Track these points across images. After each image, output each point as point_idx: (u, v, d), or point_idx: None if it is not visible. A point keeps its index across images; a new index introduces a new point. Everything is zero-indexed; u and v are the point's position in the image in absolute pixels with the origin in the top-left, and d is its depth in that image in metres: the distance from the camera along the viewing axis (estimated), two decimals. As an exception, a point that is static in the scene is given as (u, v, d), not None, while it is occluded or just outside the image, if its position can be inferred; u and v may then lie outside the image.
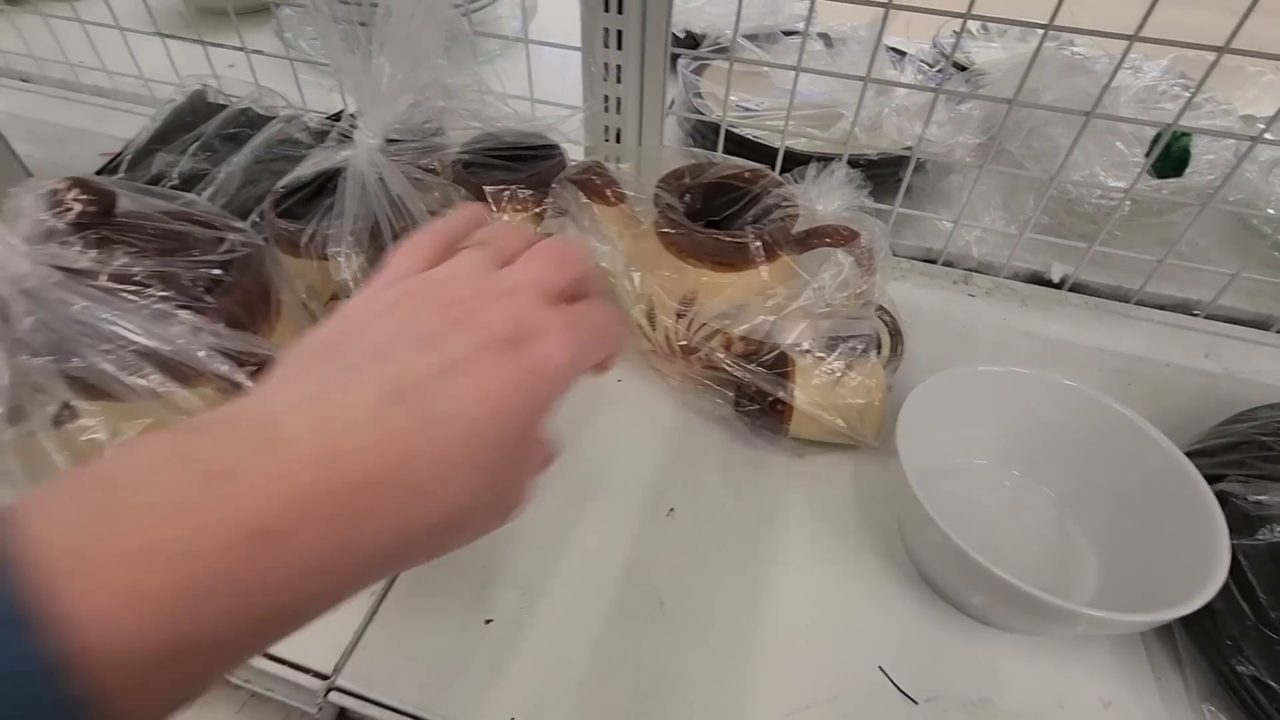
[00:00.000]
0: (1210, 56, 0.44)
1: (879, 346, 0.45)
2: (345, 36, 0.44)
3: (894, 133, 0.64)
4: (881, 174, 0.57)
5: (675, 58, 0.66)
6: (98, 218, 0.29)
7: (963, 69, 0.71)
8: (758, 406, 0.43)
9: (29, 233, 0.26)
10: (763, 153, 0.61)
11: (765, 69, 0.71)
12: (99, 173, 0.59)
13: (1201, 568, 0.33)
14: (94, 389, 0.30)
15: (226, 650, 0.17)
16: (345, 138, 0.46)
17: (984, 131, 0.62)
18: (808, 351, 0.43)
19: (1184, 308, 0.58)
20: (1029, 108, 0.55)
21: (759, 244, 0.42)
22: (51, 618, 0.14)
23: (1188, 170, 0.58)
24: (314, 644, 0.36)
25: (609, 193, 0.47)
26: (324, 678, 0.35)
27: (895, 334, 0.46)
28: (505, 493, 0.23)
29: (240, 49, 0.67)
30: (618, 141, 0.62)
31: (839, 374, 0.43)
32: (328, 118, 0.62)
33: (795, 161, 0.52)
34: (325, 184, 0.47)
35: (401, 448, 0.19)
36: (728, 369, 0.44)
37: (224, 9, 0.67)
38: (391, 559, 0.20)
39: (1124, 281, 0.59)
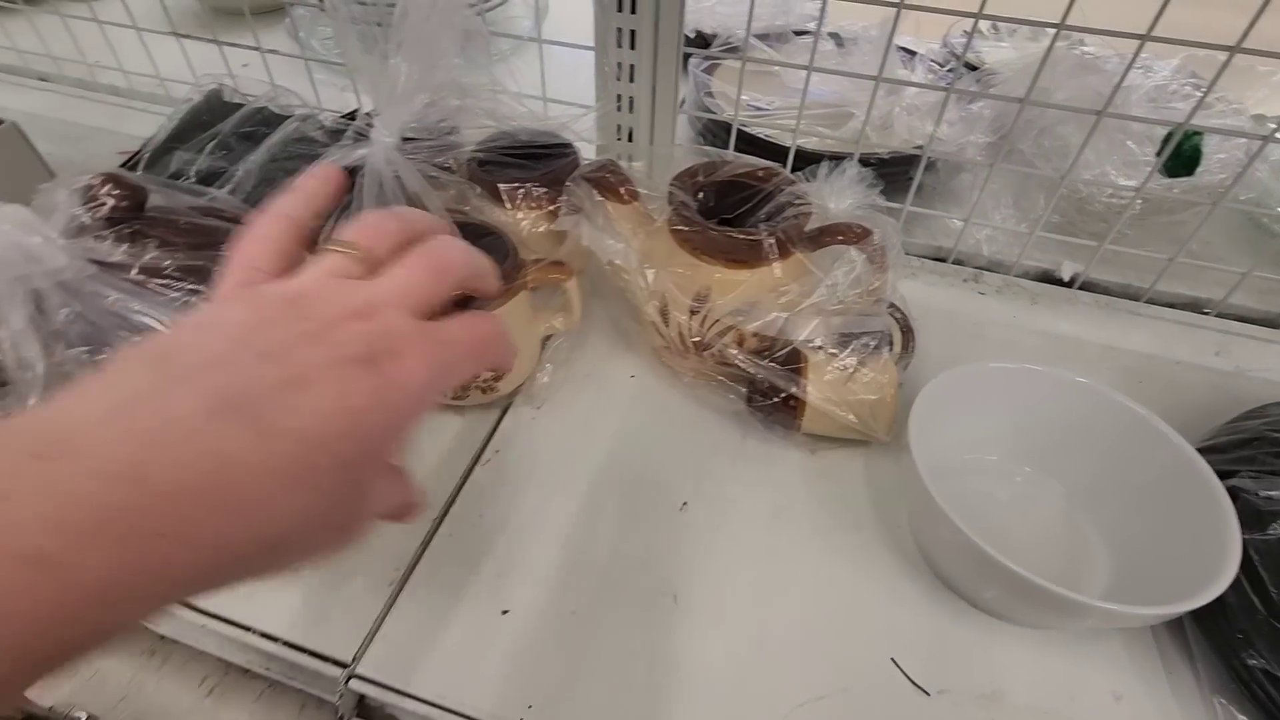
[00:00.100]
0: (1221, 56, 0.44)
1: (891, 343, 0.45)
2: (362, 37, 0.45)
3: (905, 132, 0.64)
4: (892, 173, 0.58)
5: (686, 57, 0.66)
6: (130, 212, 0.29)
7: (973, 69, 0.72)
8: (770, 402, 0.44)
9: (64, 227, 0.27)
10: (774, 152, 0.61)
11: (776, 69, 0.71)
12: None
13: (1213, 562, 0.33)
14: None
15: (5, 686, 0.16)
16: (361, 136, 0.47)
17: (995, 130, 0.62)
18: (820, 348, 0.44)
19: (1195, 306, 0.58)
20: (1040, 107, 0.56)
21: (772, 241, 0.43)
22: None
23: (1199, 169, 0.59)
24: (334, 633, 0.37)
25: (623, 191, 0.47)
26: (344, 666, 0.36)
27: (907, 331, 0.47)
28: (345, 515, 0.21)
29: (255, 48, 0.68)
30: (629, 140, 0.62)
31: (851, 370, 0.43)
32: (343, 116, 0.62)
33: (806, 160, 0.53)
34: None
35: (222, 461, 0.17)
36: (740, 365, 0.44)
37: (239, 9, 0.68)
38: (207, 577, 0.18)
39: (1134, 280, 0.59)
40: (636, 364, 0.52)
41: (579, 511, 0.43)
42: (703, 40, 0.77)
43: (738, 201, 0.48)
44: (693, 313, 0.45)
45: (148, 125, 0.63)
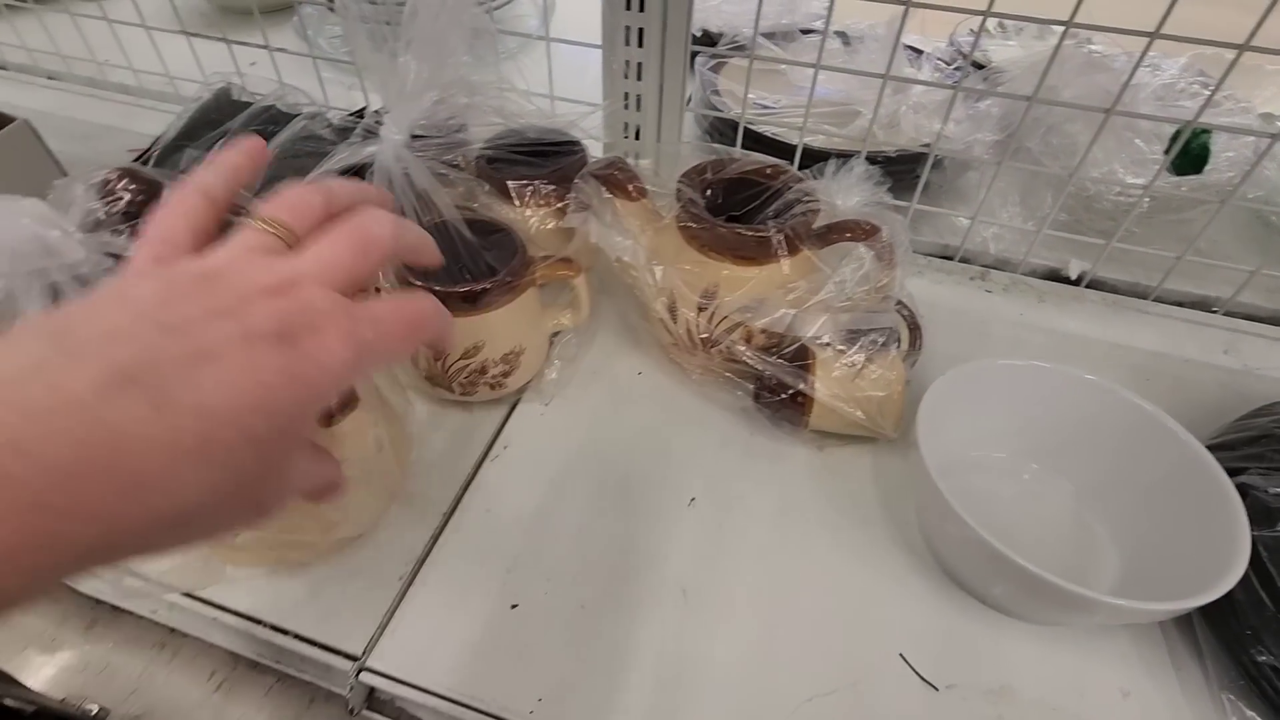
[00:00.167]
0: (1229, 54, 0.44)
1: (898, 340, 0.45)
2: (371, 35, 0.45)
3: (911, 130, 0.64)
4: (899, 171, 0.58)
5: (694, 55, 0.67)
6: (146, 207, 0.30)
7: (980, 67, 0.72)
8: (778, 399, 0.44)
9: (81, 221, 0.27)
10: (780, 149, 0.61)
11: (782, 67, 0.72)
12: (128, 168, 0.60)
13: (1222, 558, 0.33)
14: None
15: None
16: (371, 134, 0.47)
17: (1002, 128, 0.62)
18: (828, 344, 0.44)
19: (1203, 304, 0.58)
20: (1048, 105, 0.56)
21: (781, 238, 0.43)
22: None
23: (1207, 167, 0.59)
24: (345, 626, 0.37)
25: (631, 188, 0.47)
26: (355, 659, 0.36)
27: (914, 328, 0.47)
28: (259, 491, 0.21)
29: (264, 47, 0.68)
30: (636, 138, 0.62)
31: (859, 366, 0.43)
32: (350, 115, 0.63)
33: (812, 159, 0.53)
34: (352, 179, 0.48)
35: (116, 435, 0.17)
36: (748, 361, 0.44)
37: (248, 8, 0.68)
38: (104, 551, 0.18)
39: (1142, 278, 0.59)
40: (644, 361, 0.52)
41: (587, 507, 0.43)
42: (709, 39, 0.77)
43: (746, 199, 0.48)
44: (701, 309, 0.45)
45: (157, 123, 0.64)
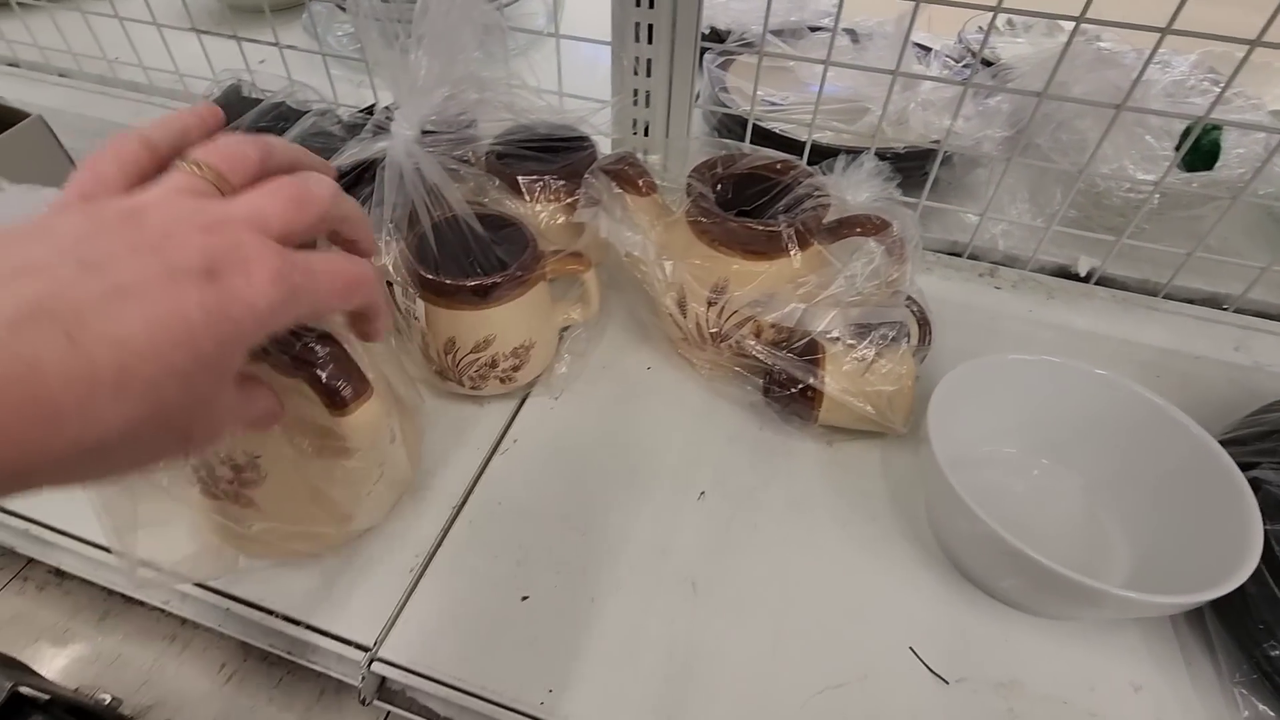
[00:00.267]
0: (1240, 51, 0.44)
1: (908, 335, 0.45)
2: (383, 32, 0.45)
3: (920, 127, 0.64)
4: (908, 167, 0.57)
5: (703, 52, 0.67)
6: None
7: (989, 64, 0.71)
8: (788, 393, 0.44)
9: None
10: (789, 146, 0.61)
11: (790, 64, 0.72)
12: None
13: (1234, 552, 0.33)
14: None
15: None
16: (382, 129, 0.47)
17: (1012, 125, 0.62)
18: (838, 339, 0.44)
19: (1213, 301, 0.58)
20: (1058, 100, 0.55)
21: (791, 232, 0.43)
22: None
23: (1217, 164, 0.58)
24: (356, 617, 0.37)
25: (641, 183, 0.47)
26: (366, 649, 0.36)
27: (924, 323, 0.47)
28: (185, 424, 0.21)
29: (273, 44, 0.68)
30: (645, 135, 0.62)
31: (869, 361, 0.43)
32: (360, 111, 0.63)
33: (821, 155, 0.53)
34: (363, 174, 0.48)
35: (30, 366, 0.17)
36: (758, 356, 0.44)
37: (258, 6, 0.68)
38: (22, 477, 0.18)
39: (1152, 275, 0.59)
40: (654, 356, 0.52)
41: (597, 500, 0.43)
42: (717, 36, 0.77)
43: (756, 194, 0.48)
44: (710, 304, 0.45)
45: (168, 120, 0.64)
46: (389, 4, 0.56)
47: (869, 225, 0.44)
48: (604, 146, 0.57)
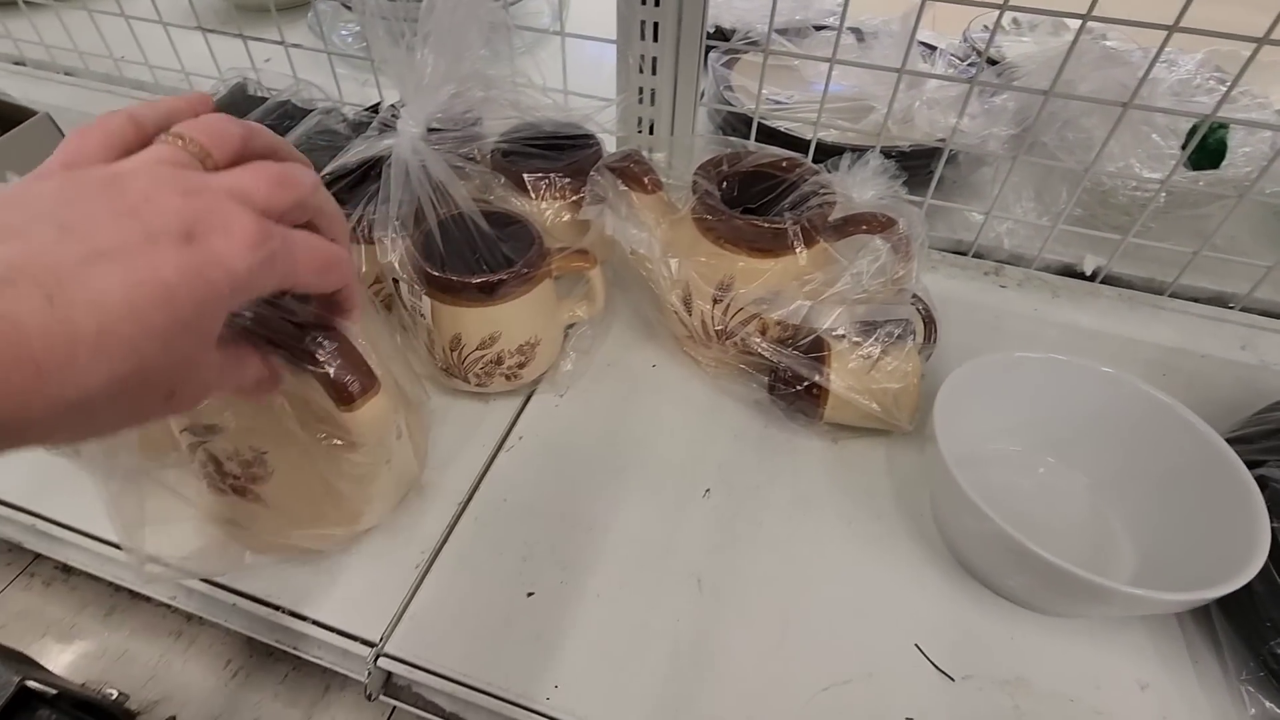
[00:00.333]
0: (1246, 50, 0.44)
1: (914, 333, 0.45)
2: (389, 30, 0.45)
3: (925, 125, 0.64)
4: (913, 166, 0.57)
5: (708, 50, 0.67)
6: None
7: (994, 63, 0.71)
8: (793, 390, 0.44)
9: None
10: (794, 144, 0.61)
11: (795, 62, 0.72)
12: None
13: (1240, 550, 0.33)
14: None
15: None
16: (387, 127, 0.47)
17: (1018, 123, 0.62)
18: (843, 336, 0.44)
19: (1219, 300, 0.58)
20: (1064, 99, 0.55)
21: (797, 230, 0.43)
22: None
23: (1224, 162, 0.58)
24: (362, 613, 0.38)
25: (647, 180, 0.47)
26: (372, 645, 0.36)
27: (929, 321, 0.47)
28: (169, 383, 0.21)
29: (279, 43, 0.68)
30: (650, 133, 0.62)
31: (875, 358, 0.43)
32: (365, 110, 0.63)
33: (826, 153, 0.53)
34: (369, 171, 0.48)
35: (12, 325, 0.17)
36: (763, 353, 0.44)
37: (264, 5, 0.69)
38: (10, 434, 0.19)
39: (1157, 274, 0.58)
40: (659, 353, 0.52)
41: (602, 497, 0.43)
42: (722, 35, 0.77)
43: (761, 191, 0.48)
44: (716, 301, 0.45)
45: (174, 118, 0.64)
46: (395, 2, 0.56)
47: (874, 223, 0.44)
48: (609, 144, 0.57)
